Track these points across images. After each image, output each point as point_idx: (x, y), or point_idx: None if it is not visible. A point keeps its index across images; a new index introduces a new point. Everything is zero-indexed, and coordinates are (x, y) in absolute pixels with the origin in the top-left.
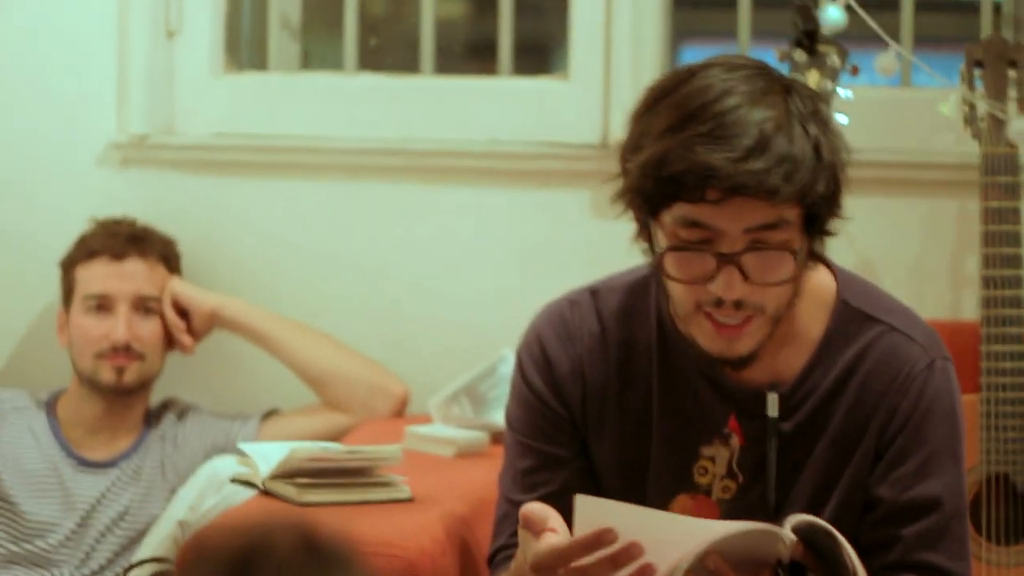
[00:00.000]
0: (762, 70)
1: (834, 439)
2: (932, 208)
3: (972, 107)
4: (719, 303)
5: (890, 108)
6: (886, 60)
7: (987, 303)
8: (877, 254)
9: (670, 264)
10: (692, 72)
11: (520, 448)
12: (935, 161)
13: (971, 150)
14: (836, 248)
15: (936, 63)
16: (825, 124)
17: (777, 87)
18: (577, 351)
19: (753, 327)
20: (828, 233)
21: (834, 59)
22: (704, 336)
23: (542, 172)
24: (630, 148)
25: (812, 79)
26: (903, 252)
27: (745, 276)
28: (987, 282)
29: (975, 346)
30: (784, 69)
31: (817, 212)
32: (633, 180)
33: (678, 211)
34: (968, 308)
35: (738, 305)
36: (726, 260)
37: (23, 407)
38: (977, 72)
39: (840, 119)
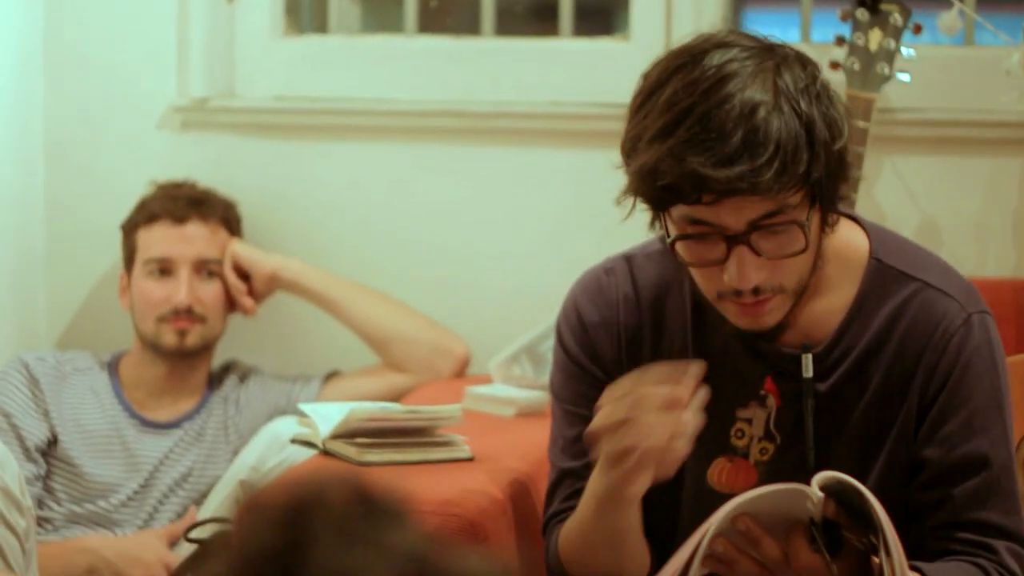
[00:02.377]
0: (755, 48)
1: (874, 399)
2: (995, 166)
3: None
4: (738, 293)
5: (953, 67)
6: (949, 19)
7: None
8: (940, 213)
9: (683, 252)
10: (682, 63)
11: (567, 417)
12: (998, 119)
13: None
14: (899, 207)
15: (999, 23)
16: (820, 98)
17: (769, 66)
18: (613, 317)
19: (775, 303)
20: (840, 199)
21: (897, 18)
22: (731, 315)
23: (603, 133)
24: (627, 150)
25: (874, 37)
26: (966, 211)
27: (757, 253)
28: None
29: None
30: (846, 29)
31: (820, 190)
32: (633, 185)
33: (681, 211)
34: None
35: (756, 291)
36: (735, 242)
37: (85, 368)
38: None
39: (903, 77)
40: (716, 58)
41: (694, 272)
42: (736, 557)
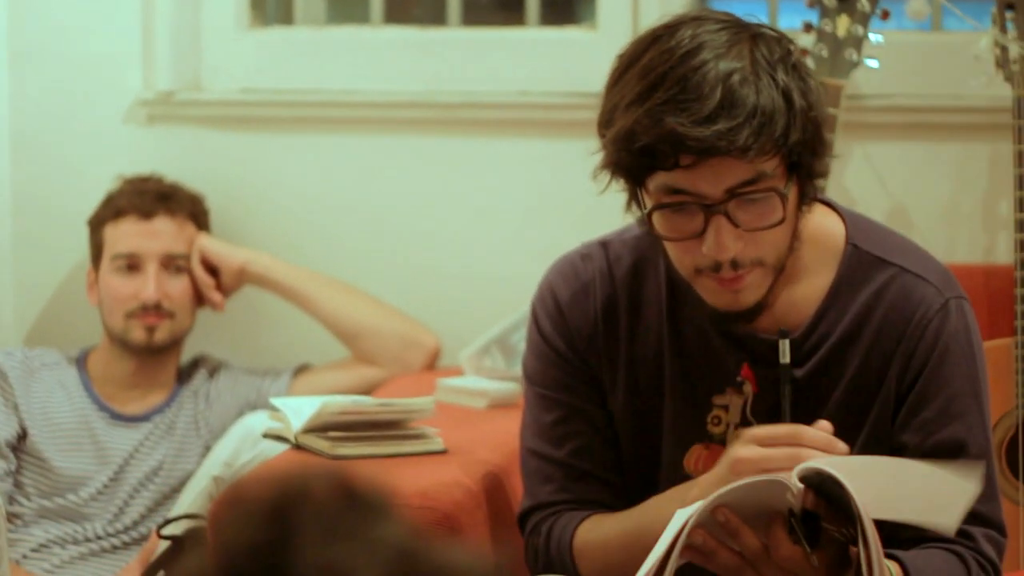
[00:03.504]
0: (728, 22)
1: (851, 385)
2: (964, 152)
3: (1004, 50)
4: (716, 267)
5: (921, 52)
6: (917, 4)
7: (1021, 246)
8: (910, 199)
9: (660, 225)
10: (657, 36)
11: (543, 402)
12: (967, 105)
13: (1003, 93)
14: (869, 193)
15: (967, 8)
16: (795, 69)
17: (744, 37)
18: (589, 303)
19: (754, 277)
20: (818, 175)
21: (864, 4)
22: (708, 294)
23: (571, 123)
24: (604, 122)
25: (842, 24)
26: (936, 196)
27: (735, 224)
28: (1021, 225)
29: (1010, 290)
30: (813, 15)
31: (798, 159)
32: (609, 155)
33: (658, 180)
34: (1002, 252)
35: (735, 265)
36: (713, 211)
37: (53, 363)
38: (1009, 15)
39: (871, 63)
40: (691, 29)
41: (671, 248)
42: (715, 548)
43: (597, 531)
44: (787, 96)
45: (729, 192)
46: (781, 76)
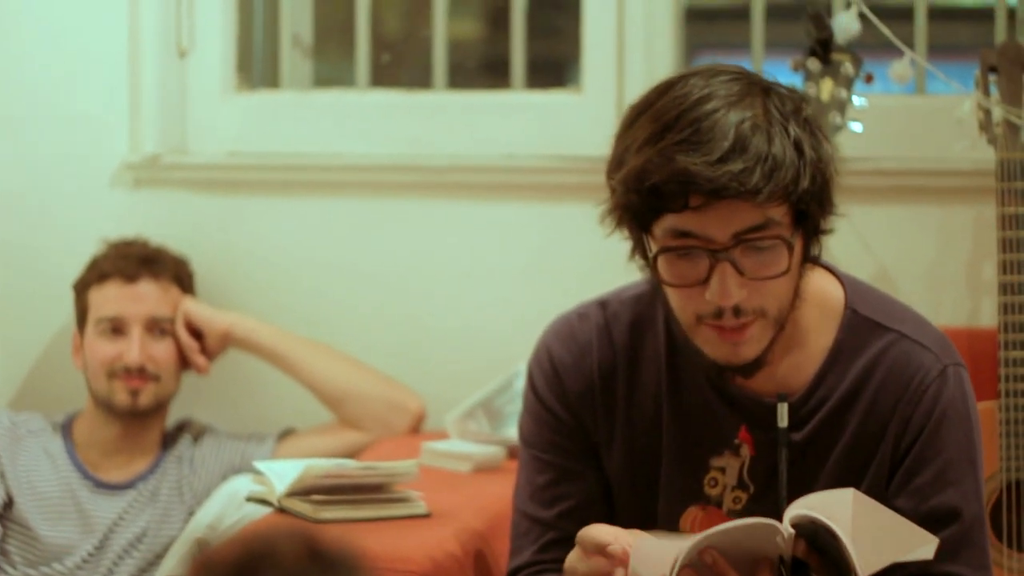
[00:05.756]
0: (740, 75)
1: (848, 450)
2: (948, 215)
3: (987, 113)
4: (718, 314)
5: (905, 116)
6: (901, 67)
7: (1005, 309)
8: (894, 262)
9: (664, 270)
10: (671, 84)
11: (536, 463)
12: (950, 168)
13: (986, 156)
14: (853, 256)
15: (950, 71)
16: (807, 123)
17: (756, 89)
18: (587, 364)
19: (755, 330)
20: (823, 231)
21: (848, 67)
22: (709, 345)
23: (556, 186)
24: (614, 165)
25: (826, 88)
26: (920, 259)
27: (740, 272)
28: (1004, 288)
29: (993, 353)
30: (798, 79)
31: (806, 209)
32: (618, 197)
33: (666, 223)
34: (986, 315)
35: (737, 312)
36: (719, 258)
37: (38, 430)
38: (992, 78)
39: (855, 127)
40: (704, 79)
41: (673, 296)
42: None
43: None
44: (798, 146)
45: (736, 237)
46: (793, 127)
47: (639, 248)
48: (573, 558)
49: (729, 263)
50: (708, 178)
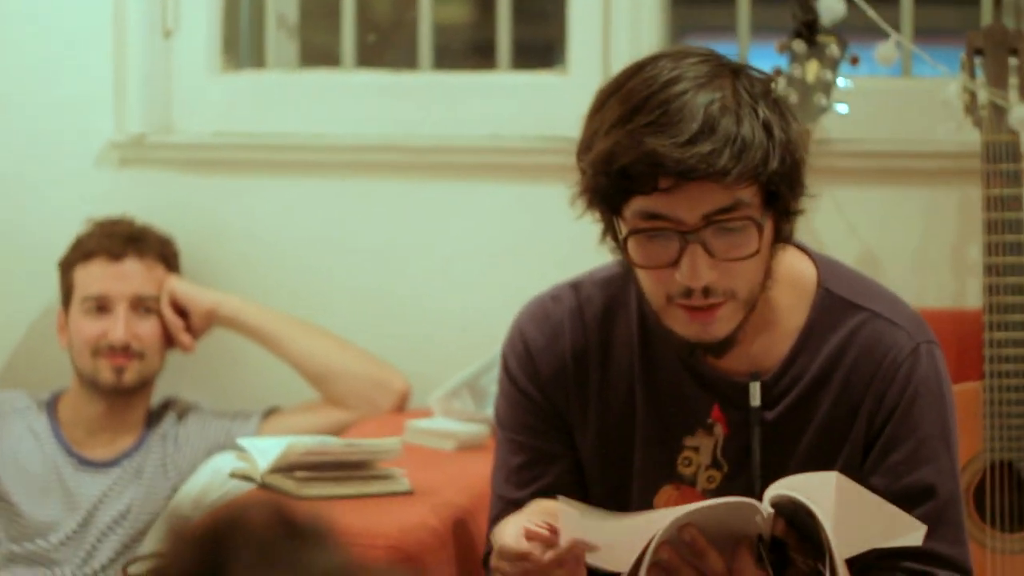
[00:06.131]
0: (710, 57)
1: (821, 429)
2: (934, 197)
3: (973, 95)
4: (688, 293)
5: (891, 98)
6: (886, 49)
7: (990, 291)
8: (879, 244)
9: (635, 252)
10: (640, 66)
11: (511, 445)
12: (936, 150)
13: (972, 138)
14: (838, 238)
15: (936, 55)
16: (776, 104)
17: (725, 71)
18: (560, 346)
19: (725, 311)
20: (793, 212)
21: (833, 49)
22: (679, 324)
23: (541, 166)
24: (583, 148)
25: (812, 69)
26: (905, 242)
27: (710, 253)
28: (989, 270)
29: (978, 334)
30: (784, 61)
31: (776, 190)
32: (588, 179)
33: (636, 205)
34: (971, 296)
35: (707, 292)
36: (689, 239)
37: (23, 408)
38: (978, 60)
39: (841, 109)
40: (673, 61)
41: (644, 277)
42: (679, 567)
43: None
44: (767, 127)
45: (706, 219)
46: (762, 109)
47: (609, 230)
48: (495, 562)
49: (699, 244)
50: (677, 160)
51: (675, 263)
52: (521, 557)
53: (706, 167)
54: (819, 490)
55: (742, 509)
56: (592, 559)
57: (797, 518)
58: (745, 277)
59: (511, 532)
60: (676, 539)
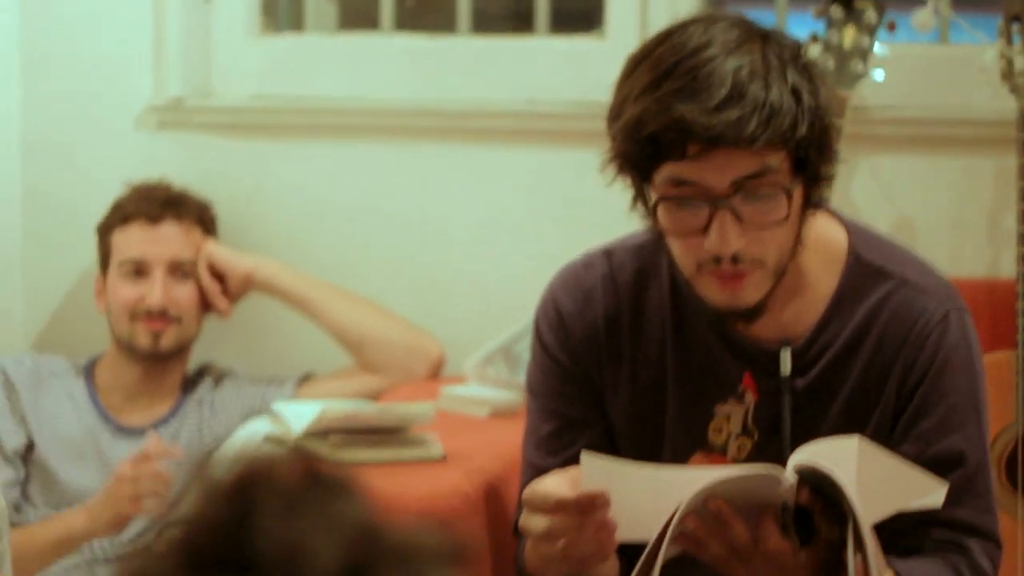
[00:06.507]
0: (739, 22)
1: (851, 396)
2: (970, 165)
3: (1010, 62)
4: (717, 260)
5: (927, 65)
6: (923, 16)
7: (1023, 260)
8: (915, 211)
9: (664, 218)
10: (670, 32)
11: (542, 412)
12: (972, 117)
13: (1009, 106)
14: (874, 205)
15: (974, 22)
16: (805, 69)
17: (755, 36)
18: (592, 313)
19: (754, 278)
20: (823, 178)
21: (871, 15)
22: (710, 291)
23: (578, 132)
24: (613, 115)
25: (849, 35)
26: (941, 209)
27: (739, 219)
28: (1023, 238)
29: (1012, 303)
30: (820, 26)
31: (805, 156)
32: (618, 145)
33: (665, 172)
34: (1006, 265)
35: (735, 260)
36: (718, 206)
37: (61, 372)
38: (1015, 27)
39: (877, 75)
40: (703, 27)
41: (674, 244)
42: (705, 539)
43: (530, 552)
44: (796, 93)
45: (735, 185)
46: (791, 74)
47: (639, 197)
48: (527, 520)
49: (728, 211)
50: (705, 126)
51: (704, 230)
52: (549, 504)
53: (734, 133)
54: (841, 455)
55: (766, 479)
56: (618, 520)
57: (822, 486)
58: (775, 244)
59: (552, 480)
60: (702, 509)
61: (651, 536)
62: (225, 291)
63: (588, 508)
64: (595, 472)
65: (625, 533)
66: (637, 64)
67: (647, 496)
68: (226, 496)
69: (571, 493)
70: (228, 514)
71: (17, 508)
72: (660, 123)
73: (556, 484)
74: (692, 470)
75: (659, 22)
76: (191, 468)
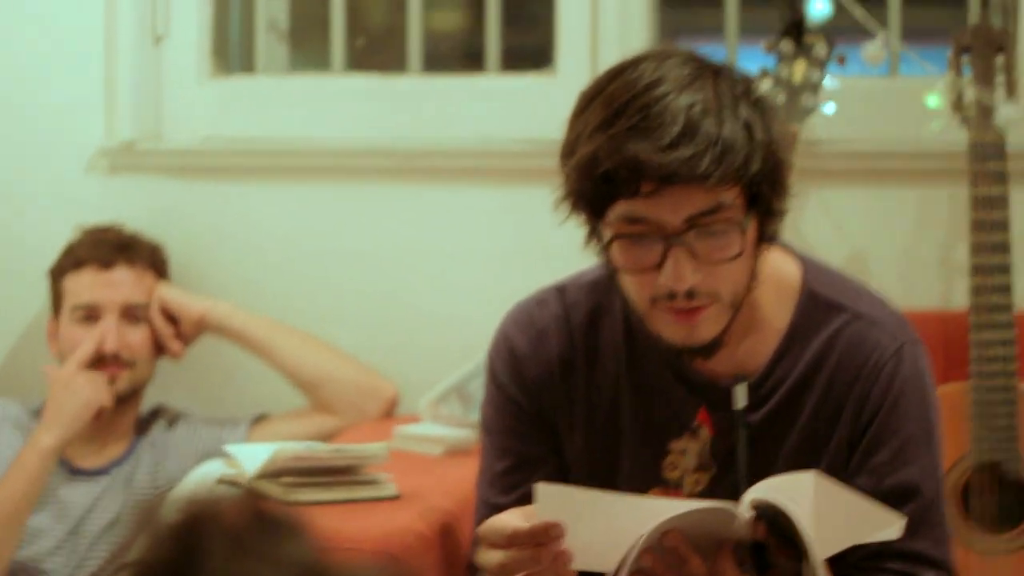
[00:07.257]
0: (691, 58)
1: (806, 430)
2: (921, 197)
3: (960, 94)
4: (672, 296)
5: (878, 98)
6: (873, 49)
7: (976, 291)
8: (867, 244)
9: (618, 256)
10: (621, 68)
11: (496, 450)
12: (923, 150)
13: (959, 138)
14: (826, 238)
15: (923, 55)
16: (757, 105)
17: (707, 72)
18: (547, 353)
19: (710, 313)
20: (776, 213)
21: (820, 49)
22: (665, 327)
23: (533, 170)
24: (566, 153)
25: (799, 69)
26: (893, 242)
27: (694, 256)
28: (976, 270)
29: (965, 335)
30: (771, 61)
31: (758, 191)
32: (571, 183)
33: (619, 209)
34: (959, 297)
35: (691, 295)
36: (672, 242)
37: (14, 416)
38: (964, 59)
39: (828, 109)
40: (654, 63)
41: (628, 280)
42: (662, 574)
43: None
44: (748, 129)
45: (689, 222)
46: (743, 110)
47: (593, 234)
48: (483, 555)
49: (683, 247)
50: (658, 164)
51: (659, 266)
52: (505, 537)
53: (688, 171)
54: (798, 490)
55: (724, 515)
56: (574, 550)
57: (778, 520)
58: (729, 279)
59: (496, 519)
60: (658, 546)
61: (608, 567)
62: (178, 334)
63: (543, 538)
64: (550, 501)
65: (581, 563)
66: (590, 101)
67: (603, 525)
68: (174, 537)
69: (526, 526)
70: (176, 555)
71: None
72: (614, 162)
73: (512, 518)
74: (648, 499)
75: (610, 58)
76: (141, 512)
